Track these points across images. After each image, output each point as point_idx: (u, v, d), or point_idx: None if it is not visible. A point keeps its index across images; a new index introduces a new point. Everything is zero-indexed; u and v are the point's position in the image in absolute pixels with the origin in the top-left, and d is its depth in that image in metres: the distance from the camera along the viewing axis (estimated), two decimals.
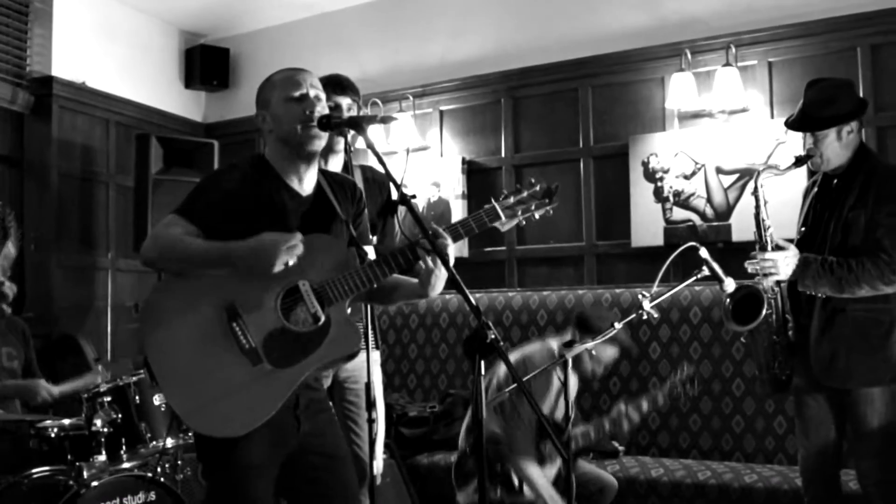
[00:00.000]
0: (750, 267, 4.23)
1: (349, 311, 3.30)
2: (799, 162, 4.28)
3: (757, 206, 4.29)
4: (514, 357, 4.95)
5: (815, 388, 4.27)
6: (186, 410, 3.04)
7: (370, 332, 3.48)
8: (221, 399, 3.04)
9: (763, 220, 4.26)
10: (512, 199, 3.27)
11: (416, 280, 3.29)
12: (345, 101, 4.27)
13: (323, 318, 3.14)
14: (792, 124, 4.33)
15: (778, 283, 4.24)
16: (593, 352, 4.85)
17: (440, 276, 3.18)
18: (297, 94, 3.26)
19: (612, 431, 4.99)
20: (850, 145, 4.22)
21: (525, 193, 3.28)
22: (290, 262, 3.06)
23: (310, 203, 3.32)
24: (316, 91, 3.30)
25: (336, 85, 4.27)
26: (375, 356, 4.33)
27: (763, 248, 4.22)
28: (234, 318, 3.07)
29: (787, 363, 4.28)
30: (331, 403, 4.53)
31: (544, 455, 4.91)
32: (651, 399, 4.97)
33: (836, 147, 4.19)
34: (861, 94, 5.12)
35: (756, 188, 4.30)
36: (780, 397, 5.45)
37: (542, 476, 4.84)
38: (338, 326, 3.17)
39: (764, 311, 4.21)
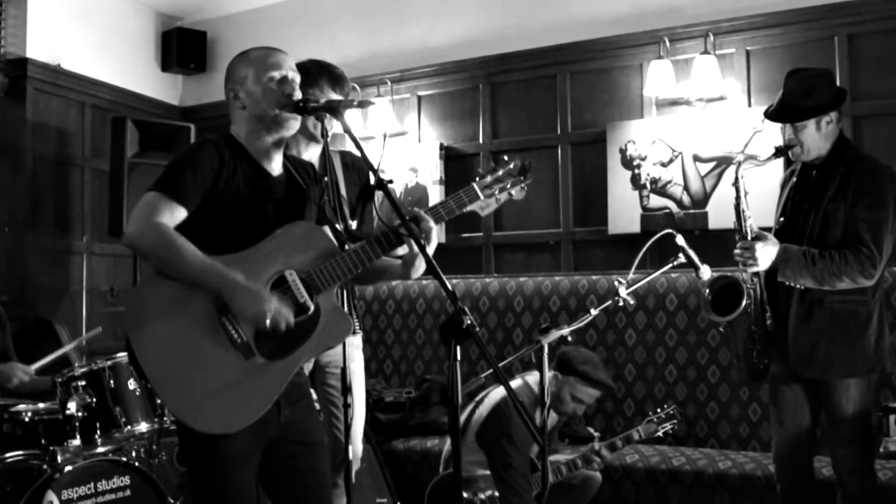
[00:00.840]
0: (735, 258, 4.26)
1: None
2: (779, 152, 4.30)
3: (738, 197, 4.30)
4: (495, 394, 4.96)
5: (791, 378, 4.29)
6: (181, 408, 2.98)
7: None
8: (216, 395, 2.99)
9: (743, 211, 4.28)
10: (489, 178, 3.29)
11: (399, 262, 3.29)
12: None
13: (312, 307, 3.12)
14: (772, 115, 4.34)
15: (757, 273, 4.26)
16: (576, 393, 4.87)
17: (423, 258, 3.15)
18: (277, 74, 3.23)
19: (584, 467, 4.99)
20: (830, 136, 4.23)
21: (500, 172, 3.32)
22: (279, 325, 3.02)
23: (282, 185, 3.29)
24: (294, 73, 3.28)
25: (335, 79, 4.26)
26: (356, 341, 4.34)
27: (743, 238, 4.24)
28: (223, 313, 3.02)
29: (765, 352, 4.30)
30: (312, 389, 4.55)
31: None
32: (625, 438, 4.97)
33: (816, 137, 4.20)
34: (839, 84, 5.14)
35: (737, 179, 4.31)
36: (755, 385, 5.48)
37: None
38: (328, 314, 3.15)
39: (743, 302, 4.23)
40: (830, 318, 4.13)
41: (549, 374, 4.25)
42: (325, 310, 3.14)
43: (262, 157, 3.26)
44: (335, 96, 4.15)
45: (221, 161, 3.15)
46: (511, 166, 3.33)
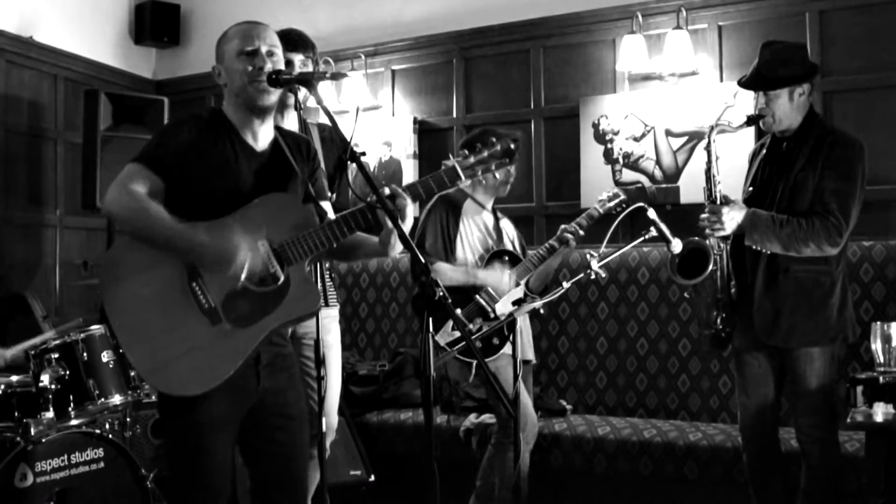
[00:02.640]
0: (701, 222, 4.30)
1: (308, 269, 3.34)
2: (751, 121, 4.36)
3: (709, 161, 4.36)
4: None
5: (755, 347, 4.36)
6: (146, 368, 3.05)
7: (320, 289, 3.49)
8: (181, 358, 3.03)
9: (714, 176, 4.34)
10: (472, 159, 3.27)
11: (376, 239, 3.31)
12: (297, 58, 4.25)
13: (282, 278, 3.14)
14: (746, 83, 4.40)
15: (724, 239, 4.31)
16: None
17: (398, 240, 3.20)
18: (248, 48, 3.25)
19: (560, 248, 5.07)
20: (802, 108, 4.29)
21: (485, 153, 3.28)
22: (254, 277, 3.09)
23: (266, 158, 3.31)
24: (269, 46, 3.30)
25: (287, 41, 4.24)
26: (333, 312, 4.35)
27: (713, 202, 4.29)
28: (194, 278, 3.07)
29: (729, 320, 4.36)
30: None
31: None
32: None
33: (788, 108, 4.26)
34: None
35: (709, 143, 4.37)
36: (719, 355, 5.53)
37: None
38: (297, 286, 3.18)
39: (710, 267, 4.28)
40: (795, 287, 4.20)
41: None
42: (294, 281, 3.17)
43: (245, 130, 3.29)
44: (293, 56, 4.18)
45: (199, 133, 3.19)
46: (497, 147, 3.29)
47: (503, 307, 4.93)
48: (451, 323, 4.91)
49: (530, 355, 5.26)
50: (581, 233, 5.04)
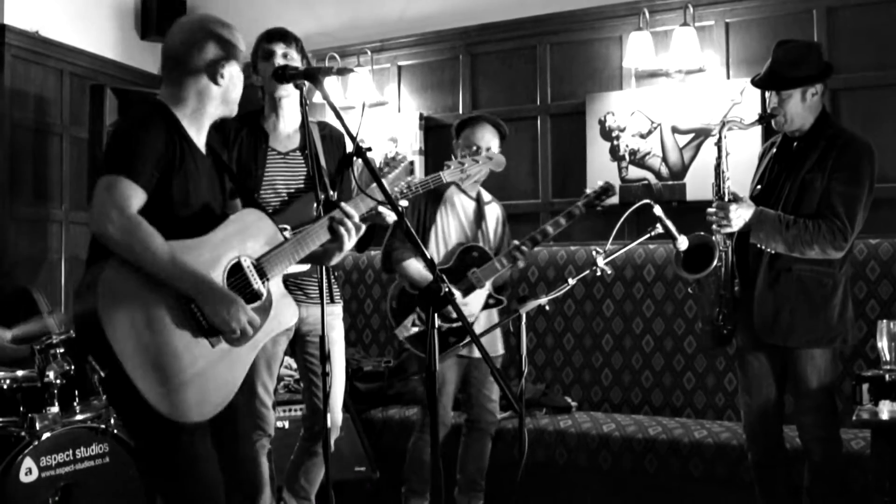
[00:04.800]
0: (708, 217, 4.30)
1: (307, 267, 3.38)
2: (762, 119, 4.36)
3: (718, 157, 4.36)
4: None
5: (756, 347, 4.37)
6: (156, 395, 2.95)
7: (325, 285, 3.51)
8: (189, 382, 3.02)
9: (723, 172, 4.33)
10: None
11: (318, 251, 3.44)
12: (279, 49, 4.24)
13: (265, 293, 3.23)
14: (758, 82, 4.40)
15: (730, 236, 4.30)
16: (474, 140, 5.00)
17: (349, 241, 3.40)
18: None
19: (510, 265, 5.03)
20: (814, 108, 4.28)
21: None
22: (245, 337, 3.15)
23: (209, 160, 3.38)
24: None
25: (270, 35, 4.28)
26: (336, 310, 4.36)
27: (721, 199, 4.28)
28: (191, 301, 3.05)
29: (730, 318, 4.35)
30: (290, 358, 4.57)
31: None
32: (554, 225, 5.07)
33: (800, 108, 4.25)
34: None
35: (720, 138, 4.36)
36: (725, 353, 5.52)
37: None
38: (278, 301, 3.29)
39: (715, 262, 4.28)
40: (797, 286, 4.20)
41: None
42: (275, 296, 3.28)
43: (197, 133, 3.31)
44: (275, 47, 4.21)
45: (165, 136, 3.14)
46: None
47: (469, 308, 4.94)
48: (410, 318, 4.95)
49: (500, 350, 5.25)
50: (532, 247, 5.03)
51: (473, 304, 4.99)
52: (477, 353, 5.00)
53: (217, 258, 3.13)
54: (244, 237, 3.22)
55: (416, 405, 5.99)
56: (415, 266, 4.95)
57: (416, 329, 4.94)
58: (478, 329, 4.78)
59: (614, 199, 5.20)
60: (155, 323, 2.99)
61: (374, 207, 3.93)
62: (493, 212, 5.30)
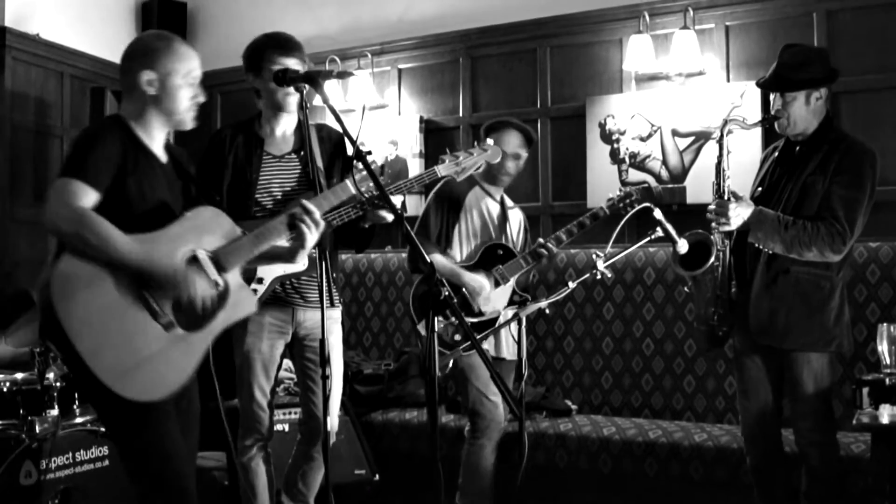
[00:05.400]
0: (708, 215, 4.30)
1: (305, 265, 3.60)
2: (765, 120, 4.39)
3: (720, 155, 4.36)
4: None
5: (753, 350, 4.37)
6: (111, 377, 3.11)
7: (325, 289, 3.51)
8: (144, 364, 3.16)
9: (724, 170, 4.34)
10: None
11: (283, 249, 3.57)
12: (292, 64, 4.22)
13: (222, 284, 3.33)
14: (764, 84, 4.41)
15: (728, 236, 4.30)
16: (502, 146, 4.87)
17: (310, 237, 3.48)
18: (195, 75, 3.48)
19: (534, 263, 5.03)
20: (818, 112, 4.29)
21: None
22: (196, 304, 3.25)
23: (169, 170, 3.51)
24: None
25: (283, 46, 4.27)
26: (335, 314, 4.36)
27: (720, 197, 4.28)
28: (143, 287, 3.18)
29: (725, 319, 4.35)
30: (289, 360, 4.57)
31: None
32: (578, 225, 5.04)
33: (804, 111, 4.26)
34: None
35: (721, 136, 4.37)
36: (725, 356, 5.52)
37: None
38: (235, 291, 3.39)
39: (712, 260, 4.28)
40: (794, 288, 4.20)
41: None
42: (233, 286, 3.38)
43: (153, 142, 3.46)
44: (291, 63, 4.19)
45: (121, 143, 3.31)
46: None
47: (493, 304, 4.93)
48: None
49: (506, 354, 5.21)
50: (557, 246, 5.00)
51: (498, 301, 4.98)
52: (503, 353, 5.00)
53: (172, 251, 3.25)
54: (200, 232, 3.35)
55: (416, 408, 5.99)
56: (440, 260, 4.95)
57: (439, 325, 4.91)
58: (514, 329, 4.78)
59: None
60: (108, 310, 3.14)
61: (366, 203, 3.95)
62: (516, 217, 5.32)
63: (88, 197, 3.16)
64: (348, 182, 3.62)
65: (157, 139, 3.46)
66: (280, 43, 4.27)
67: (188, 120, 3.47)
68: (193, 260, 3.28)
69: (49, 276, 3.12)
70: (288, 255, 3.55)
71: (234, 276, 3.39)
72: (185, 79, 3.41)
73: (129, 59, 3.44)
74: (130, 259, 3.13)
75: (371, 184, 3.62)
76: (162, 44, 3.44)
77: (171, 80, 3.39)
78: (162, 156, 3.48)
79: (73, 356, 3.09)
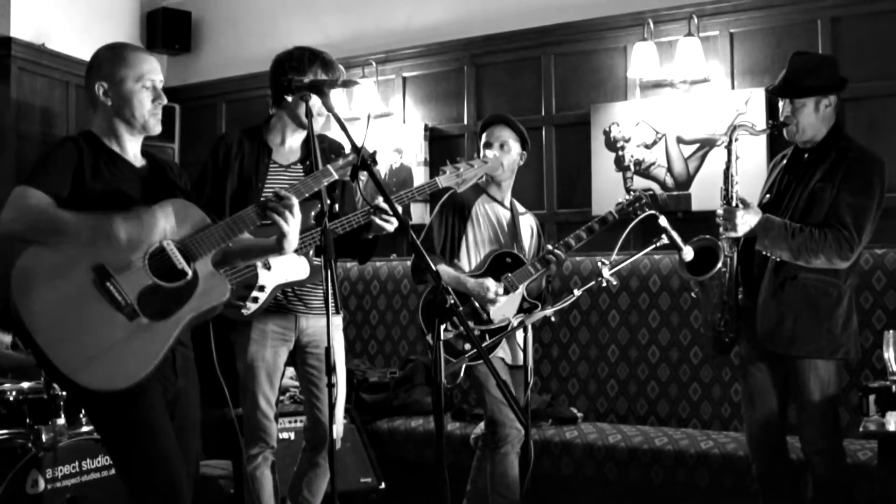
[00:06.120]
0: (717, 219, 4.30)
1: (307, 273, 3.39)
2: (774, 127, 4.38)
3: (728, 161, 4.36)
4: None
5: (759, 357, 4.37)
6: (71, 368, 3.13)
7: (331, 297, 3.51)
8: (104, 354, 3.16)
9: (732, 176, 4.34)
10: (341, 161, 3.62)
11: (268, 240, 3.52)
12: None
13: (191, 273, 3.31)
14: (774, 90, 4.41)
15: (736, 242, 4.30)
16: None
17: (287, 224, 3.40)
18: (154, 79, 3.51)
19: (543, 269, 4.97)
20: (827, 120, 4.29)
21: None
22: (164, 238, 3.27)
23: (146, 174, 3.52)
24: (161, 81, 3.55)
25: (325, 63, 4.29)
26: (337, 321, 4.37)
27: (728, 203, 4.28)
28: (106, 278, 3.20)
29: (732, 325, 4.35)
30: (290, 368, 4.57)
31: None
32: (587, 229, 4.98)
33: (813, 119, 4.27)
34: None
35: (730, 141, 4.37)
36: (731, 363, 5.51)
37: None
38: (206, 279, 3.36)
39: (719, 265, 4.27)
40: (801, 294, 4.20)
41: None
42: (202, 274, 3.35)
43: (126, 150, 3.49)
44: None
45: (80, 154, 3.34)
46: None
47: (502, 312, 4.92)
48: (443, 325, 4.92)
49: (521, 360, 5.20)
50: (566, 252, 4.97)
51: (507, 309, 4.97)
52: (520, 360, 4.98)
53: (136, 244, 3.25)
54: (166, 223, 3.31)
55: (422, 416, 5.98)
56: (443, 270, 4.92)
57: (448, 334, 4.91)
58: (519, 337, 4.77)
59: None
60: (68, 302, 3.16)
61: (367, 214, 3.96)
62: (528, 223, 5.28)
63: (39, 199, 3.20)
64: (330, 167, 3.59)
65: (128, 149, 3.48)
66: (325, 62, 4.28)
67: (152, 125, 3.48)
68: (160, 251, 3.28)
69: (11, 272, 3.17)
70: (276, 246, 3.49)
71: (203, 265, 3.36)
72: (139, 83, 3.43)
73: (87, 75, 3.49)
74: (84, 226, 3.18)
75: (362, 183, 3.60)
76: (111, 53, 3.49)
77: (123, 86, 3.41)
78: (136, 161, 3.51)
79: (36, 349, 3.13)
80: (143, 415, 3.23)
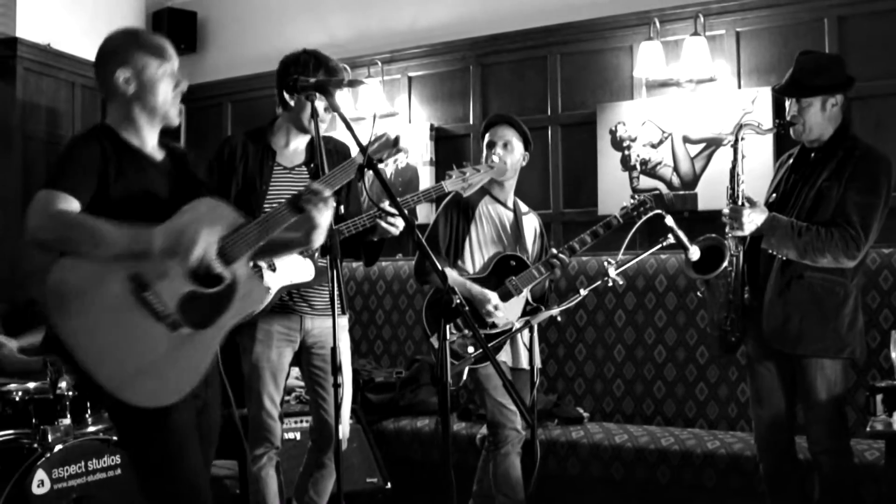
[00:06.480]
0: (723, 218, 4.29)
1: (312, 275, 3.36)
2: (780, 126, 4.36)
3: (734, 160, 4.35)
4: None
5: (765, 356, 4.35)
6: (116, 385, 3.00)
7: (337, 297, 3.50)
8: (149, 369, 3.03)
9: (738, 175, 4.32)
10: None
11: (297, 235, 3.41)
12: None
13: (229, 277, 3.20)
14: (780, 89, 4.40)
15: (742, 241, 4.29)
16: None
17: (321, 216, 3.29)
18: (176, 73, 3.33)
19: (547, 273, 4.94)
20: (834, 119, 4.28)
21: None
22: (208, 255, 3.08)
23: (168, 168, 3.37)
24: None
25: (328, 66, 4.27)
26: (343, 321, 4.36)
27: (734, 202, 4.27)
28: (144, 289, 3.05)
29: (738, 325, 4.34)
30: (296, 366, 4.57)
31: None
32: (592, 234, 4.95)
33: (819, 118, 4.25)
34: None
35: (736, 140, 4.35)
36: (738, 363, 5.51)
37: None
38: (244, 282, 3.25)
39: (724, 264, 4.27)
40: (808, 293, 4.18)
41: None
42: (241, 277, 3.23)
43: (147, 144, 3.33)
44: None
45: (104, 153, 3.17)
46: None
47: (507, 316, 4.91)
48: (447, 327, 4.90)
49: (525, 363, 5.17)
50: (571, 256, 4.95)
51: (511, 312, 4.96)
52: (522, 363, 4.97)
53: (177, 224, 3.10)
54: (200, 224, 3.15)
55: (428, 416, 5.98)
56: (449, 274, 4.89)
57: (453, 337, 4.89)
58: (525, 337, 4.76)
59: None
60: (104, 318, 3.01)
61: (373, 217, 3.96)
62: (531, 223, 5.26)
63: (67, 203, 3.03)
64: (356, 157, 3.51)
65: (147, 140, 3.32)
66: (330, 69, 4.27)
67: (173, 115, 3.33)
68: None
69: (44, 288, 3.01)
70: (303, 240, 3.38)
71: (242, 267, 3.25)
72: (160, 69, 3.26)
73: (102, 64, 3.32)
74: (121, 240, 2.98)
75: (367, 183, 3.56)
76: (129, 38, 3.33)
77: (147, 73, 3.25)
78: (156, 155, 3.35)
79: (77, 367, 3.00)
80: (176, 432, 3.11)
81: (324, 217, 3.29)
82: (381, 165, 3.53)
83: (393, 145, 3.82)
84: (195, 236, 2.98)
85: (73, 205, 3.04)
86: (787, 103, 4.38)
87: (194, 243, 2.98)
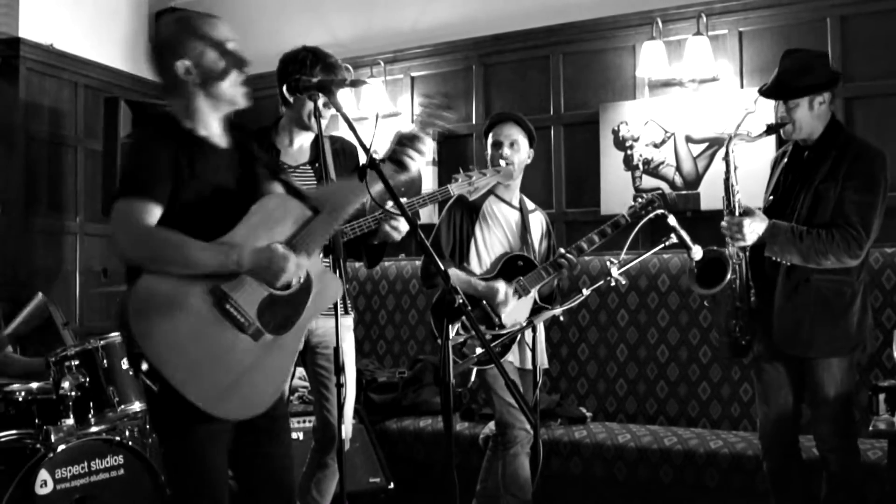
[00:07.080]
0: (723, 231, 4.29)
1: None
2: (770, 130, 4.35)
3: (727, 172, 4.34)
4: None
5: (774, 356, 4.34)
6: (211, 402, 2.97)
7: (339, 297, 3.50)
8: (239, 380, 3.03)
9: (732, 186, 4.32)
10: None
11: None
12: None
13: (303, 275, 3.16)
14: (766, 92, 4.40)
15: (743, 249, 4.29)
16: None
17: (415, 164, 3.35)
18: (230, 46, 3.20)
19: (554, 273, 4.94)
20: (822, 116, 4.27)
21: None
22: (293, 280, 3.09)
23: (235, 159, 3.29)
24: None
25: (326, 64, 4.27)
26: (347, 321, 4.37)
27: (731, 213, 4.27)
28: (225, 300, 3.01)
29: (748, 329, 4.33)
30: (300, 369, 4.57)
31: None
32: (600, 233, 4.94)
33: (808, 117, 4.25)
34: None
35: (727, 153, 4.35)
36: (740, 363, 5.50)
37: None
38: (318, 278, 3.23)
39: (728, 276, 4.26)
40: (816, 296, 4.17)
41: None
42: (314, 274, 3.21)
43: (210, 131, 3.23)
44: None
45: (175, 150, 3.09)
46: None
47: (514, 316, 4.90)
48: (454, 328, 4.89)
49: (529, 364, 5.16)
50: (578, 256, 4.93)
51: (519, 313, 4.96)
52: (528, 364, 4.96)
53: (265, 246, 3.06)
54: (270, 224, 3.13)
55: (430, 416, 5.98)
56: (453, 273, 4.88)
57: (459, 338, 4.89)
58: (528, 336, 4.75)
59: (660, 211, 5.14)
60: (190, 334, 2.98)
61: (377, 219, 3.97)
62: (538, 221, 5.23)
63: (151, 213, 2.98)
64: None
65: (213, 128, 3.22)
66: (328, 65, 4.27)
67: (239, 97, 3.22)
68: None
69: (123, 303, 2.95)
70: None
71: (314, 263, 3.21)
72: (219, 50, 3.15)
73: (159, 57, 3.19)
74: (216, 260, 2.96)
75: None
76: (181, 26, 3.20)
77: (205, 58, 3.13)
78: (221, 142, 3.25)
79: (163, 383, 2.93)
80: (196, 442, 3.07)
81: (418, 163, 3.35)
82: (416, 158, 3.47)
83: (410, 140, 3.68)
84: (284, 264, 2.99)
85: (155, 213, 2.99)
86: (776, 105, 4.39)
87: (283, 271, 3.00)
